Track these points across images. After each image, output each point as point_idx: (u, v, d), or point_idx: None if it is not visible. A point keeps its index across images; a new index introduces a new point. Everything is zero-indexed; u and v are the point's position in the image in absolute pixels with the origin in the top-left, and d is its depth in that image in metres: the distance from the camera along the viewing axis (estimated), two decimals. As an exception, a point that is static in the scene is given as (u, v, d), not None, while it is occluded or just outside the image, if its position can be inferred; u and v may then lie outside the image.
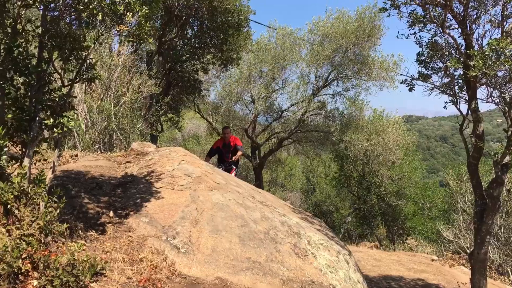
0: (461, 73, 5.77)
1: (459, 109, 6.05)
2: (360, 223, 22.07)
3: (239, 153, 9.29)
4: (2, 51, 3.36)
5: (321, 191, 27.80)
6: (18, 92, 3.50)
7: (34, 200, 3.27)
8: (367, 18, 14.54)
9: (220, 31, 12.50)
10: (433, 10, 5.28)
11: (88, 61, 3.79)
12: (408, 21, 5.45)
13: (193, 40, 13.75)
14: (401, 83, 6.46)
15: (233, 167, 9.16)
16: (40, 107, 3.48)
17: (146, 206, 4.65)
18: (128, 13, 3.59)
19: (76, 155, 6.32)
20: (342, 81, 16.40)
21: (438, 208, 20.84)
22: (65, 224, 3.40)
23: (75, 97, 7.09)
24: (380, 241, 19.31)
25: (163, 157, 6.07)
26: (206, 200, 4.89)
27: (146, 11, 3.71)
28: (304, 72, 16.78)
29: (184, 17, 12.27)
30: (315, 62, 15.87)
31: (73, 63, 3.77)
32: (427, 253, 12.94)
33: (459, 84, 6.14)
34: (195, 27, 13.60)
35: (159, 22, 12.33)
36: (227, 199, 5.08)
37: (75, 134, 7.21)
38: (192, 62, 13.85)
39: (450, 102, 6.15)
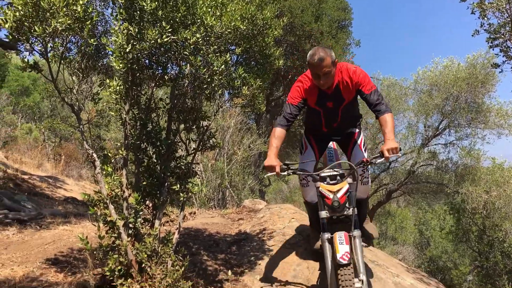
0: None
1: None
2: (483, 282, 20.02)
3: (388, 117, 3.73)
4: (138, 126, 3.87)
5: (436, 245, 25.92)
6: (150, 161, 3.97)
7: (163, 259, 3.62)
8: (479, 64, 13.86)
9: (324, 86, 12.81)
10: (553, 60, 5.02)
11: (209, 131, 4.20)
12: (524, 73, 5.22)
13: (298, 96, 14.24)
14: (521, 135, 6.08)
15: (361, 170, 3.90)
16: (168, 174, 3.90)
17: (259, 264, 4.84)
18: (244, 87, 3.97)
19: (194, 213, 6.82)
20: (454, 130, 15.63)
21: None
22: (189, 281, 3.69)
23: (198, 163, 7.72)
24: (508, 304, 17.36)
25: (274, 214, 6.29)
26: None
27: (260, 83, 4.06)
28: (412, 122, 16.33)
29: (290, 76, 12.84)
30: (423, 112, 15.42)
31: (195, 133, 4.20)
32: None
33: None
34: (300, 84, 14.11)
35: (267, 82, 13.03)
36: (338, 258, 5.08)
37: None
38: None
39: None
